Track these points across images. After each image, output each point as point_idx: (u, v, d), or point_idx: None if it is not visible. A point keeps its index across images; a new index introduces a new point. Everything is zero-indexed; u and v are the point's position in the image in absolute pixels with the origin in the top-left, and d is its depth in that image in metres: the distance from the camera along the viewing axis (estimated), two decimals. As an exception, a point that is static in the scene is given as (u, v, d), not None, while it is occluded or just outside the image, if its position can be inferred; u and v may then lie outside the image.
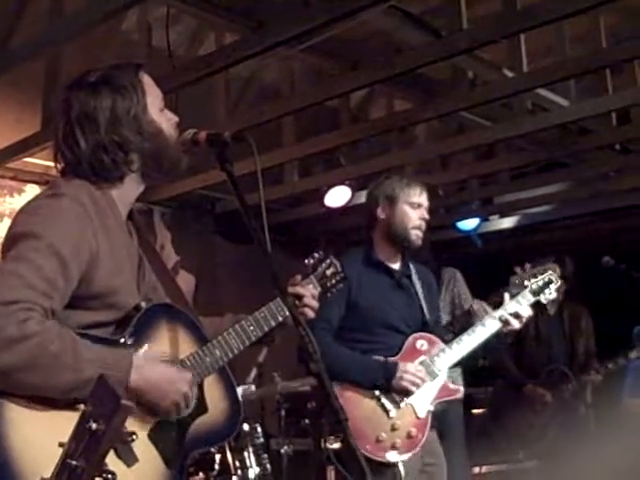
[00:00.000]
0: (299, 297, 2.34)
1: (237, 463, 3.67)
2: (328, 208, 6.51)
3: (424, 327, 3.39)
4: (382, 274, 3.41)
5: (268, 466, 3.81)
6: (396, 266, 3.46)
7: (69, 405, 1.77)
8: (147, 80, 2.11)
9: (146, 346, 1.97)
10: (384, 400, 3.18)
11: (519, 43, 4.45)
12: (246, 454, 3.71)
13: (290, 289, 2.34)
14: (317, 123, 5.92)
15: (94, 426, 1.20)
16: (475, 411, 6.04)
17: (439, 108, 4.95)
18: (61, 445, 1.25)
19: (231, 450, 3.64)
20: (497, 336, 3.38)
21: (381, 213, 3.43)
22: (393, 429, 3.15)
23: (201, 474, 3.55)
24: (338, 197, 6.37)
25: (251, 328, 2.20)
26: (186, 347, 2.07)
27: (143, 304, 1.99)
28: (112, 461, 1.68)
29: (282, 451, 4.43)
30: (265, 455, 3.84)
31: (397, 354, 3.28)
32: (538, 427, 5.05)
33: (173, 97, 4.40)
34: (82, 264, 1.87)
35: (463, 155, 6.51)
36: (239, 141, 2.06)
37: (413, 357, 3.29)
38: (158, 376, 1.90)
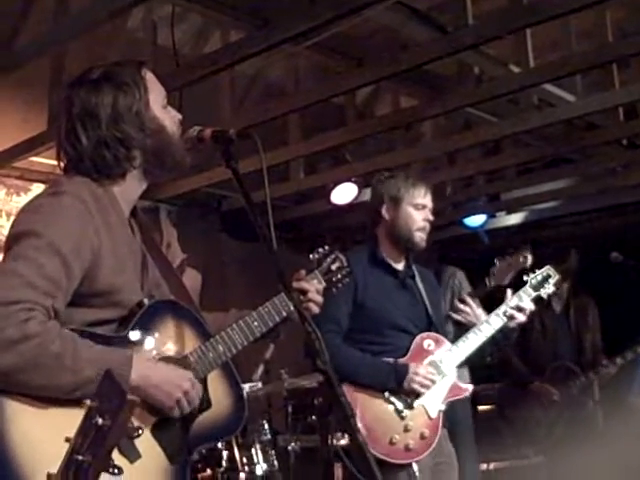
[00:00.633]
0: (303, 292, 2.33)
1: (244, 459, 3.69)
2: (334, 205, 6.50)
3: (430, 327, 3.39)
4: (387, 274, 3.41)
5: (275, 462, 3.82)
6: (400, 266, 3.45)
7: (71, 401, 1.76)
8: (150, 77, 2.11)
9: (149, 343, 1.97)
10: (395, 401, 3.18)
11: (525, 38, 4.44)
12: (253, 450, 3.72)
13: (294, 284, 2.33)
14: (323, 120, 5.91)
15: (100, 421, 1.21)
16: (481, 408, 6.02)
17: (445, 104, 4.94)
18: (67, 440, 1.25)
19: (238, 446, 3.66)
20: (502, 332, 3.39)
21: (385, 213, 3.42)
22: (406, 430, 3.15)
23: (209, 470, 3.57)
24: (344, 194, 6.36)
25: (255, 324, 2.19)
26: (189, 343, 2.06)
27: (146, 301, 1.99)
28: (115, 457, 1.68)
29: (289, 448, 4.43)
30: (272, 452, 3.85)
31: (405, 355, 3.28)
32: (546, 424, 5.03)
33: (178, 95, 4.40)
34: (84, 262, 1.87)
35: (469, 151, 6.49)
36: (244, 138, 2.06)
37: (421, 357, 3.29)
38: (158, 375, 1.90)
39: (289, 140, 5.80)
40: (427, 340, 3.33)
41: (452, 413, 3.42)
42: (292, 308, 2.18)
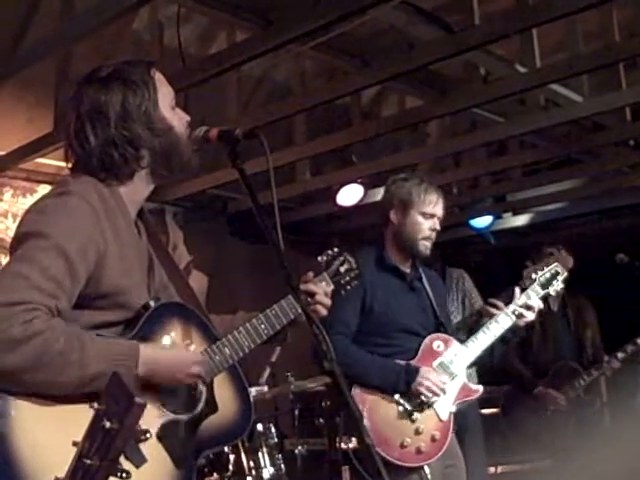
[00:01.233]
0: (311, 294, 2.32)
1: (251, 463, 3.67)
2: (340, 206, 6.49)
3: (438, 328, 3.37)
4: (394, 277, 3.40)
5: (282, 466, 3.80)
6: (407, 268, 3.44)
7: (78, 402, 1.76)
8: (159, 77, 2.11)
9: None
10: (406, 404, 3.17)
11: (532, 38, 4.42)
12: (260, 454, 3.70)
13: (302, 286, 2.31)
14: (328, 121, 5.90)
15: (108, 425, 1.19)
16: (486, 411, 6.00)
17: (451, 105, 4.93)
18: (75, 444, 1.24)
19: (245, 450, 3.64)
20: (512, 331, 3.38)
21: (393, 216, 3.41)
22: (417, 433, 3.14)
23: (215, 475, 3.55)
24: (350, 195, 6.35)
25: (262, 326, 2.18)
26: (196, 346, 2.05)
27: (152, 303, 1.98)
28: (120, 462, 1.67)
29: (296, 451, 4.41)
30: (279, 455, 3.83)
31: (414, 357, 3.27)
32: (553, 427, 5.00)
33: (184, 96, 4.39)
34: (90, 263, 1.86)
35: (476, 152, 6.48)
36: (251, 138, 2.05)
37: (431, 359, 3.28)
38: (167, 359, 1.91)
39: (295, 141, 5.80)
40: (436, 341, 3.32)
41: (462, 417, 3.40)
42: (300, 311, 2.16)
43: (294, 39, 3.99)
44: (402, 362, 3.22)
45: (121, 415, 1.19)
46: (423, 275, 3.49)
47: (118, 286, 1.92)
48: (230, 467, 3.57)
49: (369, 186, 6.25)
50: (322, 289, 2.35)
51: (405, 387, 3.16)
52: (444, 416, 3.21)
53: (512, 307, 3.39)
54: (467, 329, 3.50)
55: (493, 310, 3.40)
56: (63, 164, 2.08)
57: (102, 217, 1.93)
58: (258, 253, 6.33)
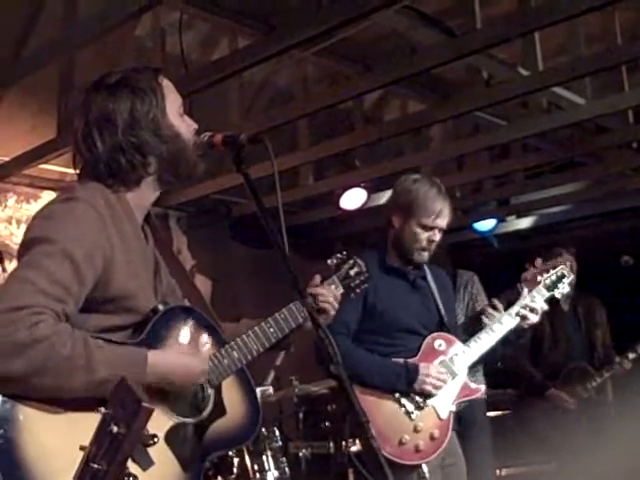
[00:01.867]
0: (319, 298, 2.32)
1: (256, 467, 3.67)
2: (343, 210, 6.49)
3: (441, 327, 3.37)
4: (397, 278, 3.38)
5: (287, 469, 3.80)
6: (409, 269, 3.42)
7: (85, 407, 1.76)
8: (167, 84, 2.12)
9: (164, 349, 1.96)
10: (405, 402, 3.17)
11: (534, 41, 4.42)
12: (264, 458, 3.70)
13: (310, 290, 2.32)
14: (331, 126, 5.91)
15: (115, 429, 1.20)
16: (491, 413, 6.00)
17: (454, 108, 4.93)
18: (82, 449, 1.24)
19: (249, 454, 3.64)
20: (515, 333, 3.37)
21: (395, 221, 3.39)
22: (416, 431, 3.13)
23: (220, 478, 3.54)
24: (353, 199, 6.35)
25: (271, 330, 2.18)
26: (204, 350, 2.05)
27: (160, 307, 1.99)
28: (127, 465, 1.67)
29: (300, 454, 4.42)
30: (283, 458, 3.83)
31: (416, 355, 3.27)
32: (564, 428, 4.97)
33: (187, 102, 4.39)
34: (97, 268, 1.87)
35: (478, 156, 6.48)
36: (255, 143, 2.05)
37: (432, 357, 3.28)
38: (174, 362, 1.90)
39: (298, 146, 5.80)
40: (438, 340, 3.32)
41: (470, 416, 3.39)
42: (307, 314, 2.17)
43: (296, 45, 3.99)
44: (401, 360, 3.21)
45: (128, 419, 1.19)
46: (429, 273, 3.47)
47: (126, 290, 1.93)
48: (234, 470, 3.58)
49: (372, 190, 6.25)
50: (332, 292, 2.36)
51: (406, 386, 3.15)
52: (444, 414, 3.20)
53: (516, 309, 3.38)
54: (471, 329, 3.50)
55: (492, 311, 3.39)
56: (67, 170, 2.10)
57: (109, 223, 1.93)
58: (261, 258, 6.33)
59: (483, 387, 3.39)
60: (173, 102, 2.11)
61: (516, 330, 3.38)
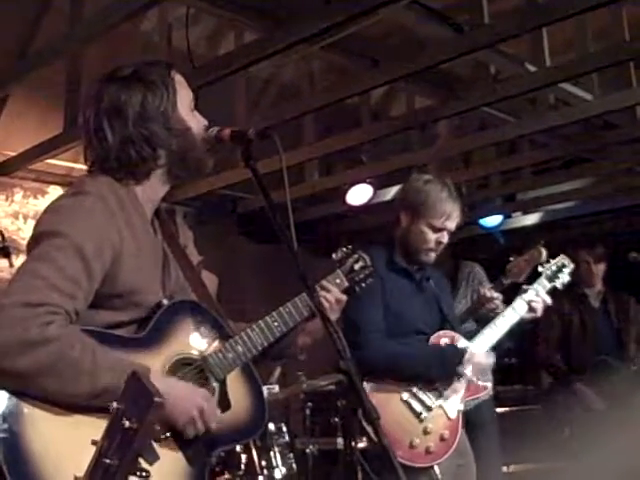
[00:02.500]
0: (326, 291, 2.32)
1: (263, 463, 3.66)
2: (350, 206, 6.49)
3: (443, 326, 3.36)
4: (404, 278, 3.37)
5: (294, 466, 3.79)
6: (415, 269, 3.40)
7: (90, 410, 1.75)
8: (179, 79, 2.12)
9: (167, 344, 1.96)
10: (414, 403, 3.13)
11: (541, 37, 4.41)
12: (272, 454, 3.69)
13: (322, 283, 2.32)
14: (338, 121, 5.90)
15: (127, 424, 1.19)
16: (499, 410, 5.98)
17: (461, 104, 4.93)
18: (94, 443, 1.24)
19: (257, 450, 3.63)
20: (519, 325, 3.36)
21: (403, 219, 3.36)
22: (425, 433, 3.10)
23: (227, 474, 3.54)
24: (360, 195, 6.35)
25: (275, 324, 2.17)
26: (209, 344, 2.05)
27: (165, 301, 1.99)
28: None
29: (307, 450, 4.41)
30: (291, 455, 3.83)
31: None
32: (589, 423, 4.93)
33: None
34: (105, 263, 1.87)
35: (485, 151, 6.46)
36: (263, 138, 2.05)
37: None
38: (174, 392, 1.86)
39: (304, 141, 5.80)
40: (444, 339, 3.31)
41: (479, 415, 3.38)
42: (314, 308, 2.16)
43: (303, 40, 3.99)
44: (442, 345, 3.22)
45: (140, 414, 1.19)
46: (430, 274, 3.48)
47: (133, 284, 1.93)
48: (242, 466, 3.57)
49: (378, 186, 6.25)
50: (337, 294, 2.35)
51: (459, 369, 3.16)
52: (452, 414, 3.18)
53: (519, 302, 3.37)
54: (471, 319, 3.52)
55: (489, 301, 3.40)
56: (73, 165, 2.10)
57: (118, 216, 1.93)
58: (268, 253, 6.33)
59: (490, 385, 3.37)
60: (184, 97, 2.11)
61: (520, 324, 3.37)
